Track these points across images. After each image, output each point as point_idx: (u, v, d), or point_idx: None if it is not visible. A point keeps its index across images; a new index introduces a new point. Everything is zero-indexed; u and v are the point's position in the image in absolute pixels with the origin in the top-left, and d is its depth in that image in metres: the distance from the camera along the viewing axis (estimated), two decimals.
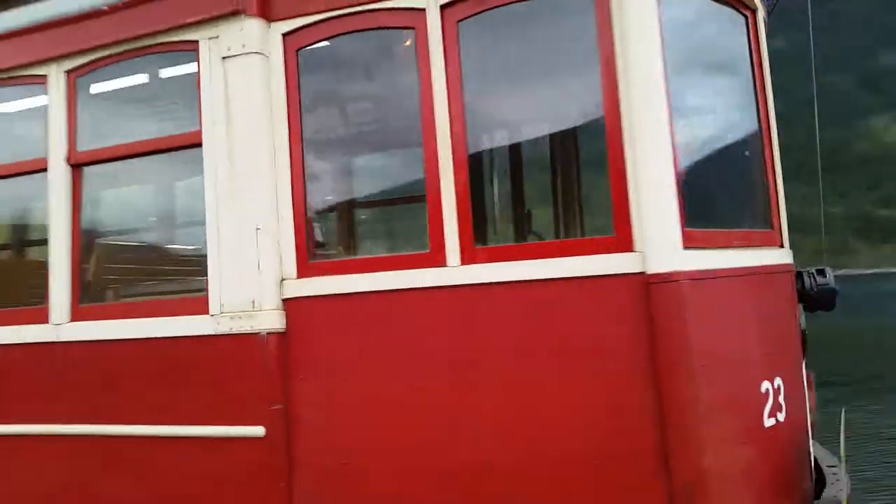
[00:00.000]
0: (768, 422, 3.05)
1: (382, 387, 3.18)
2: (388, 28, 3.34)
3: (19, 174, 4.03)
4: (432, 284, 3.13)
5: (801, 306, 3.79)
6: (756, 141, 3.45)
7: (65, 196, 3.75)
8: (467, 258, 3.10)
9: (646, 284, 2.84)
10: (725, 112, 3.61)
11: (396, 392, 3.16)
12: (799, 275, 3.87)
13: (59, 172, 3.76)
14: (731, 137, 3.58)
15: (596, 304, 2.93)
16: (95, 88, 3.88)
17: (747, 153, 3.51)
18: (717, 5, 3.39)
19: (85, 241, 3.86)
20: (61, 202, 3.75)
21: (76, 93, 3.79)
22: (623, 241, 2.91)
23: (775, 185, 3.46)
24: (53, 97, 3.79)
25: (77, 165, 3.78)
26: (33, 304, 3.82)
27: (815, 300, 3.86)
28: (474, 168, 3.27)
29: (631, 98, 2.90)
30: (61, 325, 3.70)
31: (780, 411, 3.14)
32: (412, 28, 3.23)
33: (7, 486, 3.80)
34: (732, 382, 2.96)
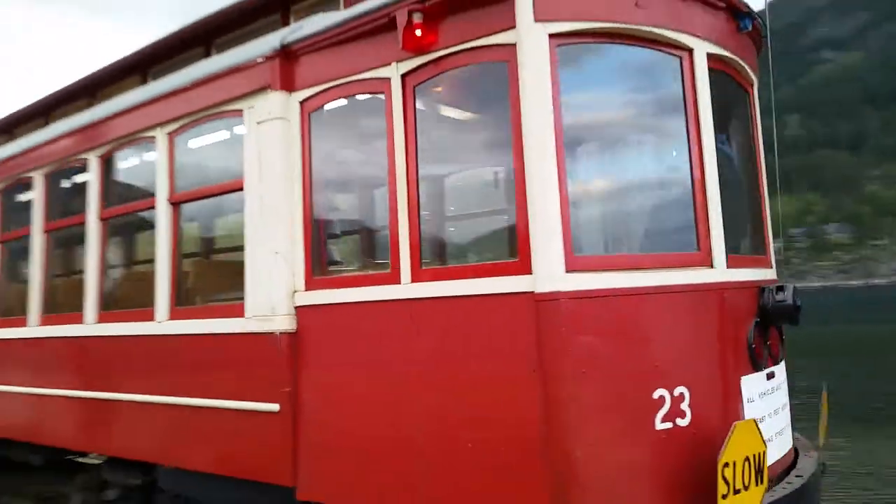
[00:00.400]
0: (662, 425, 3.45)
1: (353, 379, 4.07)
2: (367, 93, 4.21)
3: (139, 210, 5.50)
4: (389, 298, 3.95)
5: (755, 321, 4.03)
6: (684, 174, 3.80)
7: (167, 226, 5.10)
8: (416, 277, 3.87)
9: (536, 302, 3.41)
10: (644, 151, 3.99)
11: (362, 383, 4.03)
12: (762, 291, 4.12)
13: (163, 209, 5.12)
14: (646, 175, 3.96)
15: (503, 317, 3.56)
16: (188, 144, 5.19)
17: (671, 188, 3.88)
18: (644, 51, 3.80)
19: (180, 260, 5.18)
20: (164, 231, 5.10)
21: (174, 148, 5.12)
22: (523, 266, 3.50)
23: (706, 214, 3.77)
24: (160, 152, 5.16)
25: (175, 203, 5.11)
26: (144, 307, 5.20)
27: (772, 315, 4.08)
28: (428, 205, 4.01)
29: (529, 155, 3.48)
30: (163, 322, 5.04)
31: (683, 417, 3.51)
32: (382, 92, 4.07)
33: (125, 439, 5.25)
34: (615, 388, 3.42)
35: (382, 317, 3.99)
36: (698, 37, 3.89)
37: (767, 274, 4.43)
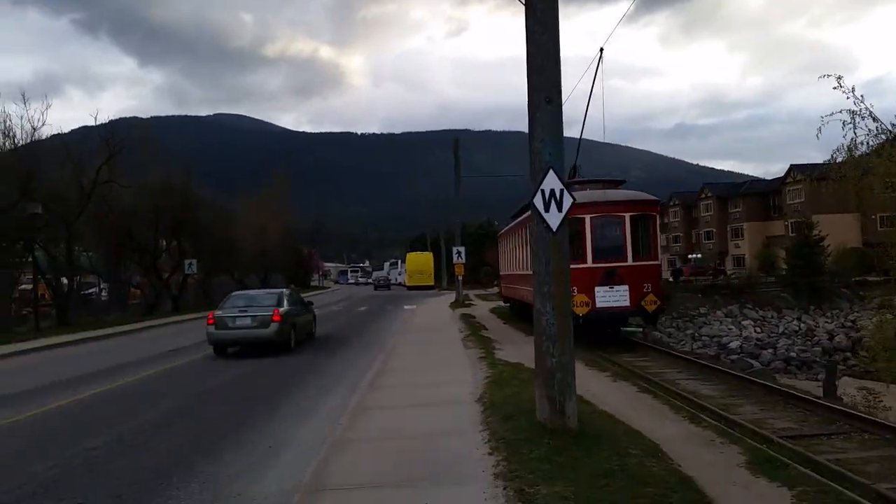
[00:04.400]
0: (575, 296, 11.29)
1: (511, 281, 22.71)
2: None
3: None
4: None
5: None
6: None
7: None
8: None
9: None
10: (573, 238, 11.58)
11: (512, 282, 22.90)
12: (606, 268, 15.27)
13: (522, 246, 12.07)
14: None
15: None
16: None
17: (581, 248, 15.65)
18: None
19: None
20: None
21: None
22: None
23: (585, 252, 16.21)
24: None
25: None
26: None
27: (606, 274, 16.70)
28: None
29: None
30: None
31: (575, 293, 15.23)
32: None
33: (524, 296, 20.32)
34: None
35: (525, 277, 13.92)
36: (586, 214, 16.54)
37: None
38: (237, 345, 18.29)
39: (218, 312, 18.12)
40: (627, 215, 16.69)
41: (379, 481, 6.40)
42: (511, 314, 26.35)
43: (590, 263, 16.32)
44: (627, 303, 16.52)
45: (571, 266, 13.48)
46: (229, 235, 50.38)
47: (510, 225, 26.01)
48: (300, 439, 8.62)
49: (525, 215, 18.47)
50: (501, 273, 29.83)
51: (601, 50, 15.32)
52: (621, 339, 18.60)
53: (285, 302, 18.62)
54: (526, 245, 18.61)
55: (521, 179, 16.37)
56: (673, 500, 5.45)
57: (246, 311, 17.91)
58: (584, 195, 15.75)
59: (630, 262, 16.63)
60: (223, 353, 18.05)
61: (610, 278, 16.16)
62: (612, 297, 16.24)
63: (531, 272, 14.56)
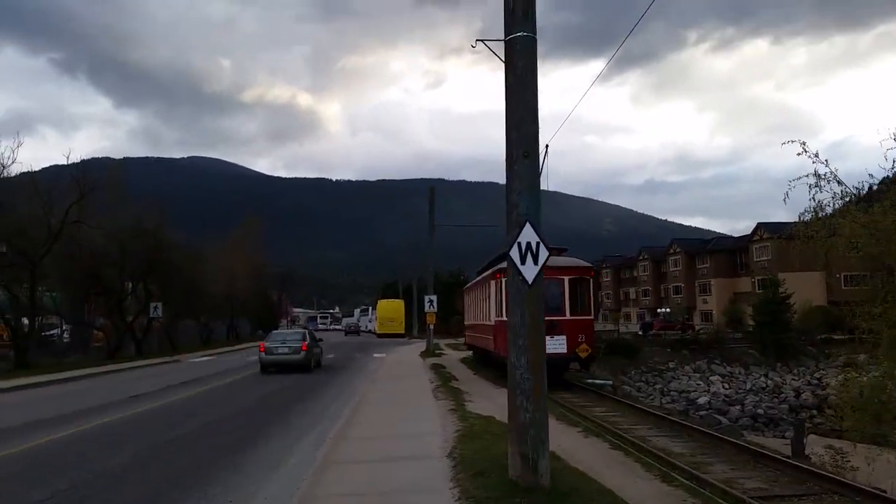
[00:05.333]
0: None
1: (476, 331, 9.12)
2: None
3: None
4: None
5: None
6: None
7: (494, 299, 10.31)
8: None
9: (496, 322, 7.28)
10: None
11: (478, 332, 9.17)
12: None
13: (485, 299, 10.40)
14: None
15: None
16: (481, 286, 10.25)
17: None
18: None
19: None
20: (494, 302, 10.27)
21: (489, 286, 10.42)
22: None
23: None
24: (491, 287, 10.33)
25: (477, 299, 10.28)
26: None
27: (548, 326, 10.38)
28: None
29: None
30: (492, 320, 10.24)
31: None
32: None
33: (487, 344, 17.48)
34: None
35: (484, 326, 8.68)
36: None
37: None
38: (277, 366, 25.91)
39: (267, 343, 26.85)
40: (567, 278, 19.57)
41: None
42: (475, 362, 25.48)
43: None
44: (565, 350, 19.58)
45: None
46: (199, 278, 49.65)
47: (475, 279, 27.15)
48: (267, 490, 8.36)
49: (488, 272, 20.86)
50: (466, 323, 29.35)
51: (546, 146, 17.14)
52: (564, 383, 21.06)
53: (308, 338, 27.46)
54: (488, 299, 20.50)
55: (494, 229, 17.79)
56: None
57: (285, 342, 26.76)
58: None
59: (568, 316, 19.58)
60: (267, 371, 26.04)
61: (551, 329, 18.78)
62: (552, 345, 18.76)
63: (492, 323, 17.03)
